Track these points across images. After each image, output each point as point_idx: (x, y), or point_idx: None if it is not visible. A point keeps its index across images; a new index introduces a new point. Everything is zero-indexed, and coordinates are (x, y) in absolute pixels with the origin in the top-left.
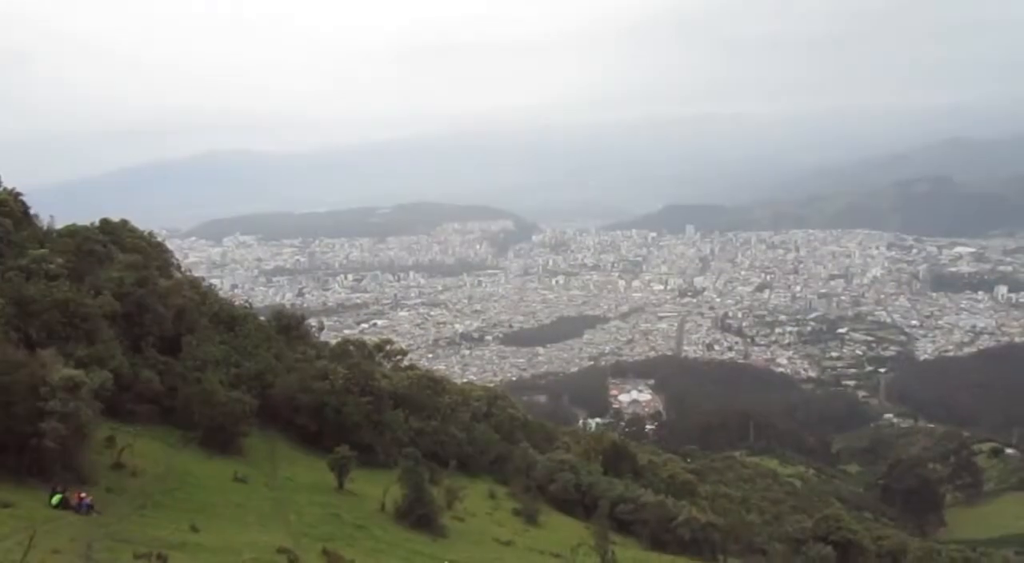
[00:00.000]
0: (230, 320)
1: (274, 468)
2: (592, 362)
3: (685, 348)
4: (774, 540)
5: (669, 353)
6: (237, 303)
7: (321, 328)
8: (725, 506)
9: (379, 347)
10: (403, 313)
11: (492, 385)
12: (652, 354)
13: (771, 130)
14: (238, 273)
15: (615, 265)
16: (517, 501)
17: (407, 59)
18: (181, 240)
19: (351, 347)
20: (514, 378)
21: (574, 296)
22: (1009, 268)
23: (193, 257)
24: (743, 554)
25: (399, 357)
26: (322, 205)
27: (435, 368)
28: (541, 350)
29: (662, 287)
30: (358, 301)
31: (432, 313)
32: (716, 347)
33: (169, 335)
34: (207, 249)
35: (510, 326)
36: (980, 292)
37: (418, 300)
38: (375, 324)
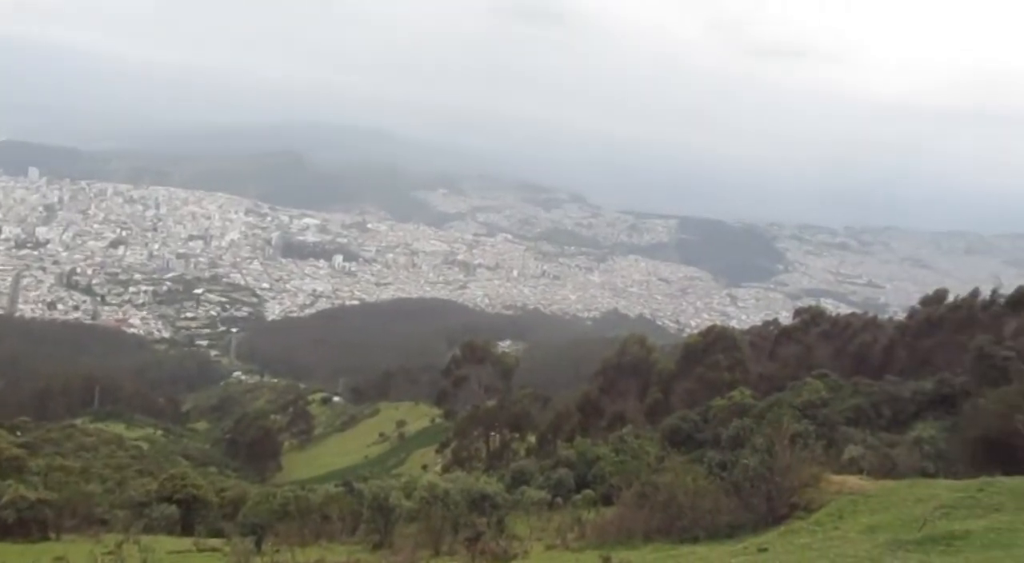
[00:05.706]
0: None
1: None
2: None
3: (21, 307)
4: (116, 507)
5: (1, 312)
6: None
7: None
8: (61, 479)
9: None
10: None
11: None
12: None
13: (148, 77)
14: None
15: None
16: None
17: None
18: None
19: None
20: None
21: None
22: (345, 240)
23: None
24: (80, 527)
25: None
26: None
27: None
28: None
29: None
30: None
31: None
32: (60, 306)
33: None
34: None
35: None
36: (321, 260)
37: None
38: None
